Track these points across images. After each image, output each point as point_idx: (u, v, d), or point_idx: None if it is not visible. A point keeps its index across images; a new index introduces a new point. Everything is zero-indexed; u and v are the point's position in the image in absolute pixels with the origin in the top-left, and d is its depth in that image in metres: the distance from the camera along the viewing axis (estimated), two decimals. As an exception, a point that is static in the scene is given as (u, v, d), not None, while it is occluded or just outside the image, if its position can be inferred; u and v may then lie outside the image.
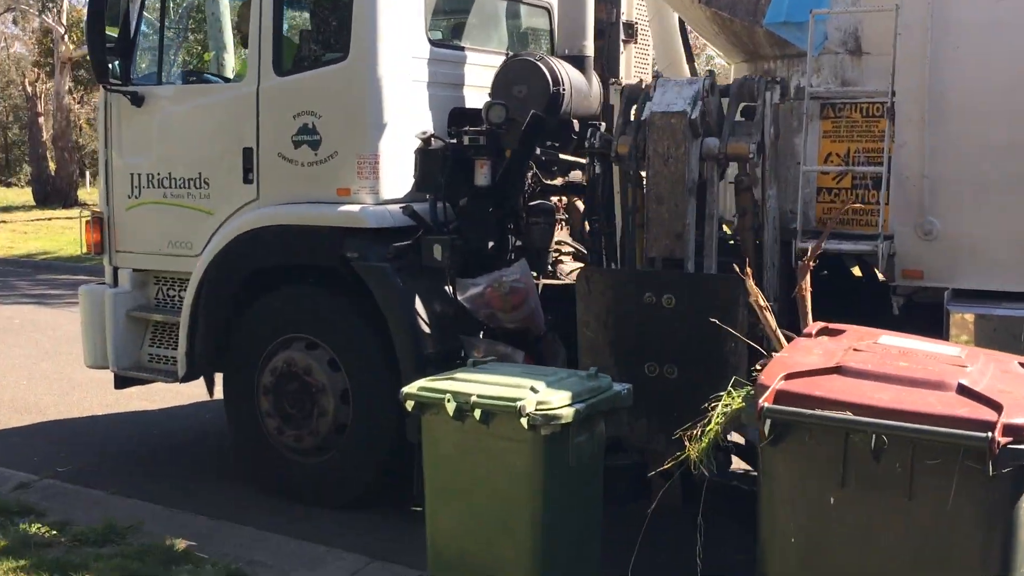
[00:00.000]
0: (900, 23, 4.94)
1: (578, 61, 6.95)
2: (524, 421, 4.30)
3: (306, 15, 7.18)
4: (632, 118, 5.71)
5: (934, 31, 4.85)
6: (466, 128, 6.33)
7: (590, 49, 7.07)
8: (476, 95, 6.85)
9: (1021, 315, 4.84)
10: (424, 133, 6.27)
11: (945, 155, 4.92)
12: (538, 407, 4.34)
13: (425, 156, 6.24)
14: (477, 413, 4.43)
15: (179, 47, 8.03)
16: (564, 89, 6.59)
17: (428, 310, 6.11)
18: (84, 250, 7.85)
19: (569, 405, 4.40)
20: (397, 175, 6.37)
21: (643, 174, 5.62)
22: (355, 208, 6.28)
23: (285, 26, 6.75)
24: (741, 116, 5.50)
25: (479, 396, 4.46)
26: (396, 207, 6.29)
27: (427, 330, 6.05)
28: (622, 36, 7.43)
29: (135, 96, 7.03)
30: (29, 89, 34.24)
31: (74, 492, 6.64)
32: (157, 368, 7.22)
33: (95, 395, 9.21)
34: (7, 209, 29.18)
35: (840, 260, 5.93)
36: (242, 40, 7.03)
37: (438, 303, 6.19)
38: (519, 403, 4.34)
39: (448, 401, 4.50)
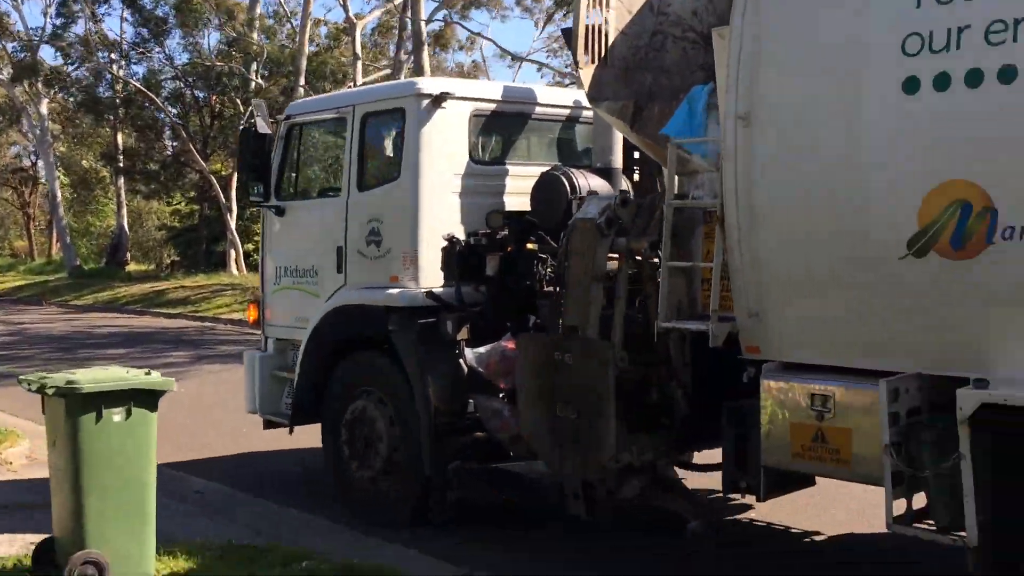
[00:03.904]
0: (724, 152, 6.21)
1: (606, 173, 8.50)
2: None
3: (381, 144, 9.23)
4: None
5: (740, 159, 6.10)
6: (476, 231, 8.08)
7: (617, 162, 8.60)
8: (521, 200, 8.57)
9: (816, 383, 5.93)
10: (448, 235, 8.07)
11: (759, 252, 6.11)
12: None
13: (447, 252, 8.06)
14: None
15: (304, 170, 10.35)
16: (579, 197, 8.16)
17: (439, 372, 7.91)
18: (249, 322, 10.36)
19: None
20: (435, 267, 8.21)
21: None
22: (395, 291, 8.23)
23: (366, 152, 8.86)
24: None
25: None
26: (422, 291, 8.13)
27: (438, 387, 7.86)
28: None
29: (278, 209, 9.42)
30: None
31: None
32: (288, 414, 9.45)
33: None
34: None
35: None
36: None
37: (448, 367, 7.94)
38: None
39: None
